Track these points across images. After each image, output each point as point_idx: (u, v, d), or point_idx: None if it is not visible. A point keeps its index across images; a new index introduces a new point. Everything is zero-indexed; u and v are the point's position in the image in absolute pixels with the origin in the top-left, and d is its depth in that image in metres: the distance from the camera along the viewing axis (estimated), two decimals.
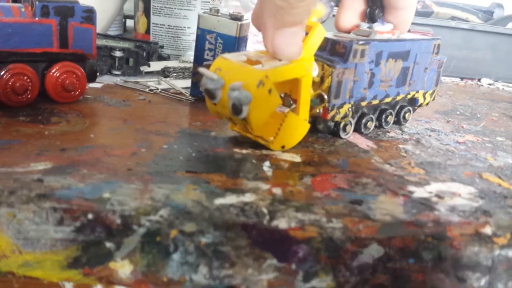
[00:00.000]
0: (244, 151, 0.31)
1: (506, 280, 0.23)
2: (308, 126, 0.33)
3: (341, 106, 0.35)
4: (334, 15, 0.38)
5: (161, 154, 0.29)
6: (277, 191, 0.25)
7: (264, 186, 0.26)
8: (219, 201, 0.23)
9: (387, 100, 0.39)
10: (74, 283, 0.23)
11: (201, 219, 0.22)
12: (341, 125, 0.36)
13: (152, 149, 0.30)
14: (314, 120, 0.36)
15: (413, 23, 0.69)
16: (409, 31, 0.48)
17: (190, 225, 0.22)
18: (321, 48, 0.34)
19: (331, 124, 0.36)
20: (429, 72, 0.42)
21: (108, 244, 0.22)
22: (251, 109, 0.28)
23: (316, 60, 0.34)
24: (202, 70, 0.28)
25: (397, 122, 0.42)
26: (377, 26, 0.37)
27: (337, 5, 0.39)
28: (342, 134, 0.37)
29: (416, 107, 0.43)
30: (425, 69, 0.41)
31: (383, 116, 0.40)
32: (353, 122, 0.37)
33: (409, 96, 0.41)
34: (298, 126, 0.32)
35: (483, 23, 0.85)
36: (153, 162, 0.28)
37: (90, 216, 0.22)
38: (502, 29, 0.76)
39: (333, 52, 0.34)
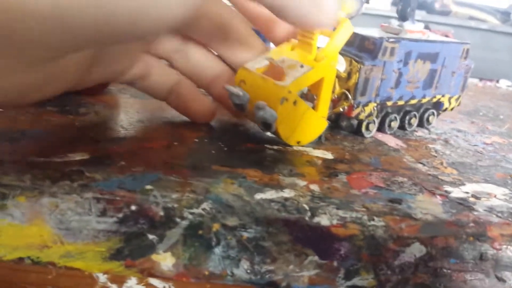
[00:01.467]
0: (275, 147, 0.31)
1: None
2: (325, 124, 0.32)
3: (366, 104, 0.35)
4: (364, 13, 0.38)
5: (194, 147, 0.29)
6: (315, 187, 0.25)
7: (301, 183, 0.26)
8: (259, 195, 0.23)
9: (413, 102, 0.38)
10: (112, 275, 0.23)
11: (243, 214, 0.22)
12: (364, 123, 0.36)
13: (184, 142, 0.29)
14: (337, 118, 0.36)
15: (433, 22, 0.69)
16: (429, 30, 0.48)
17: (232, 219, 0.22)
18: (349, 43, 0.34)
19: (355, 122, 0.36)
20: (456, 77, 0.41)
21: (151, 236, 0.22)
22: (278, 124, 0.29)
23: (343, 55, 0.33)
24: (228, 87, 0.29)
25: (420, 124, 0.41)
26: (407, 25, 0.37)
27: (367, 1, 0.39)
28: (365, 133, 0.36)
29: (440, 111, 0.42)
30: (453, 73, 0.40)
31: (407, 118, 0.39)
32: (377, 121, 0.37)
33: (434, 100, 0.40)
34: (316, 123, 0.32)
35: (500, 24, 0.85)
36: (187, 155, 0.27)
37: (133, 207, 0.22)
38: None
39: (361, 48, 0.34)
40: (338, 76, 0.34)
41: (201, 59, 0.32)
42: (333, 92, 0.34)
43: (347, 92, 0.34)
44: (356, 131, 0.36)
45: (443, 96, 0.41)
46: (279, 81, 0.28)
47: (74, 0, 0.18)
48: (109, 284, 0.23)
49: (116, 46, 0.28)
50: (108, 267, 0.22)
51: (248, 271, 0.22)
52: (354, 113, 0.34)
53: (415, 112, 0.39)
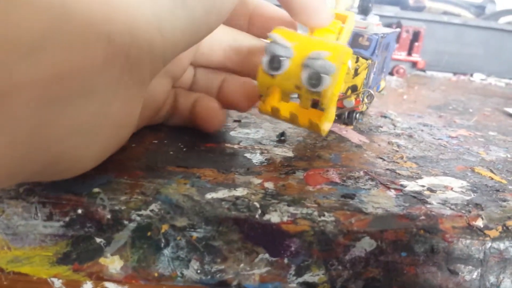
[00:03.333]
0: (235, 146, 0.31)
1: (498, 272, 0.23)
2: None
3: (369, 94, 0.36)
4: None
5: (152, 149, 0.29)
6: (269, 185, 0.25)
7: (256, 181, 0.26)
8: (210, 195, 0.23)
9: (374, 88, 0.40)
10: (63, 279, 0.23)
11: (192, 214, 0.22)
12: (355, 114, 0.37)
13: (142, 144, 0.29)
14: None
15: (405, 18, 0.70)
16: (401, 26, 0.49)
17: (182, 220, 0.22)
18: None
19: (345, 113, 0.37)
20: (390, 60, 0.45)
21: (98, 240, 0.22)
22: (331, 83, 0.25)
23: None
24: (273, 35, 0.26)
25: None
26: (370, 19, 0.37)
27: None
28: (354, 122, 0.38)
29: (378, 92, 0.45)
30: (390, 58, 0.44)
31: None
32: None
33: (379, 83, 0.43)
34: (333, 112, 0.31)
35: (475, 18, 0.85)
36: (144, 156, 0.27)
37: (79, 211, 0.22)
38: (494, 24, 0.76)
39: (355, 44, 0.35)
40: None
41: (208, 75, 0.33)
42: None
43: (371, 91, 0.35)
44: (344, 122, 0.38)
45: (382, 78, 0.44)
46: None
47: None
48: None
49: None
50: (56, 271, 0.22)
51: (198, 271, 0.22)
52: (362, 106, 0.35)
53: None
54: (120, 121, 0.21)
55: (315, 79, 0.25)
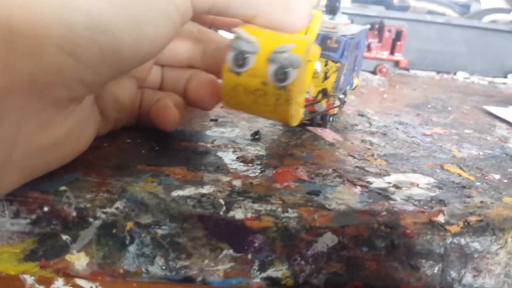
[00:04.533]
0: (209, 145, 0.31)
1: (459, 267, 0.24)
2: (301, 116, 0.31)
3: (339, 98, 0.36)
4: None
5: (124, 148, 0.29)
6: (237, 183, 0.26)
7: (225, 179, 0.26)
8: (176, 193, 0.24)
9: (347, 88, 0.40)
10: (33, 276, 0.23)
11: (157, 211, 0.22)
12: (328, 117, 0.37)
13: (115, 143, 0.30)
14: None
15: (388, 18, 0.70)
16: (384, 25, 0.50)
17: (146, 217, 0.22)
18: None
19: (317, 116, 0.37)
20: (361, 58, 0.45)
21: (64, 237, 0.22)
22: (297, 77, 0.25)
23: None
24: (238, 30, 0.25)
25: None
26: (339, 18, 0.38)
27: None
28: (327, 125, 0.38)
29: (351, 90, 0.45)
30: (362, 55, 0.45)
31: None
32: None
33: (352, 81, 0.43)
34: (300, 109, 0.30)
35: (459, 17, 0.86)
36: (114, 156, 0.28)
37: (45, 208, 0.22)
38: (477, 23, 0.77)
39: (324, 47, 0.34)
40: (313, 77, 0.34)
41: (174, 73, 0.34)
42: (307, 92, 0.34)
43: (341, 96, 0.35)
44: (318, 124, 0.38)
45: (354, 76, 0.44)
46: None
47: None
48: (36, 285, 0.23)
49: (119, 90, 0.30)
50: (23, 268, 0.22)
51: (163, 267, 0.22)
52: (333, 110, 0.36)
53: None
54: (41, 144, 0.21)
55: (281, 74, 0.25)
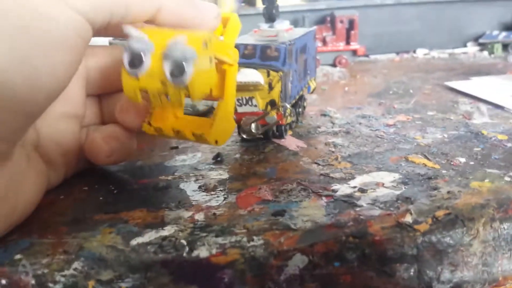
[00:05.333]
0: (170, 177, 0.31)
1: (434, 265, 0.23)
2: (234, 124, 0.30)
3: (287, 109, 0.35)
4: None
5: (81, 198, 0.28)
6: (200, 216, 0.25)
7: (186, 214, 0.25)
8: (136, 241, 0.23)
9: (301, 93, 0.40)
10: None
11: (117, 265, 0.22)
12: (283, 127, 0.36)
13: (72, 194, 0.29)
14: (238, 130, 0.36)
15: (339, 8, 0.70)
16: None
17: (107, 273, 0.21)
18: (249, 56, 0.34)
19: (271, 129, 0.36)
20: (314, 60, 0.45)
21: None
22: (195, 72, 0.23)
23: (254, 68, 0.33)
24: (128, 28, 0.24)
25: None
26: (278, 25, 0.37)
27: (244, 2, 0.39)
28: (285, 135, 0.37)
29: (309, 93, 0.45)
30: (313, 57, 0.44)
31: (297, 109, 0.40)
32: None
33: (307, 86, 0.43)
34: (229, 119, 0.29)
35: None
36: (71, 209, 0.27)
37: (3, 281, 0.21)
38: None
39: (264, 57, 0.34)
40: (258, 90, 0.34)
41: (111, 101, 0.32)
42: (255, 106, 0.34)
43: (287, 105, 0.34)
44: (275, 136, 0.37)
45: (310, 80, 0.43)
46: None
47: None
48: None
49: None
50: None
51: None
52: (286, 120, 0.35)
53: (299, 102, 0.41)
54: None
55: (178, 69, 0.23)
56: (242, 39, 0.37)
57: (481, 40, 0.76)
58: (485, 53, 0.74)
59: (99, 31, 0.24)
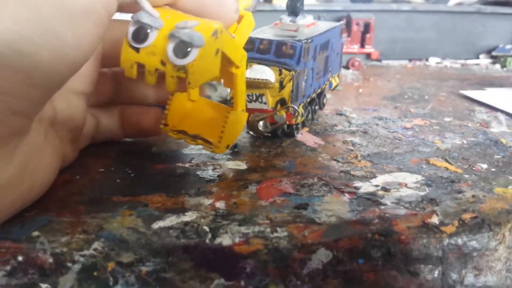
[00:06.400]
0: (187, 165, 0.30)
1: (459, 268, 0.23)
2: (246, 115, 0.30)
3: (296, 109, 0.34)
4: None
5: (98, 178, 0.28)
6: (220, 205, 0.24)
7: (207, 202, 0.25)
8: (157, 224, 0.22)
9: (319, 90, 0.39)
10: None
11: (138, 247, 0.21)
12: (294, 126, 0.36)
13: (88, 174, 0.28)
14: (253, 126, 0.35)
15: (356, 10, 0.70)
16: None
17: (128, 255, 0.21)
18: (264, 51, 0.33)
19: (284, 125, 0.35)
20: (338, 57, 0.44)
21: (44, 286, 0.21)
22: (198, 58, 0.23)
23: (267, 65, 0.33)
24: (142, 1, 0.23)
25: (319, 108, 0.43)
26: (300, 20, 0.36)
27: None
28: (296, 134, 0.36)
29: (330, 90, 0.45)
30: (337, 54, 0.43)
31: (313, 107, 0.40)
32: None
33: (327, 82, 0.42)
34: (240, 119, 0.29)
35: (424, 2, 0.86)
36: (88, 189, 0.26)
37: (20, 258, 0.21)
38: (443, 7, 0.77)
39: (279, 54, 0.33)
40: (268, 88, 0.33)
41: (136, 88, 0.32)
42: (265, 103, 0.33)
43: (295, 107, 0.33)
44: (286, 134, 0.36)
45: (332, 77, 0.43)
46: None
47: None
48: None
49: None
50: None
51: None
52: (295, 119, 0.34)
53: (316, 99, 0.40)
54: None
55: (181, 51, 0.23)
56: (261, 31, 0.36)
57: (494, 53, 0.76)
58: (498, 66, 0.73)
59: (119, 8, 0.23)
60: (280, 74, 0.33)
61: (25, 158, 0.22)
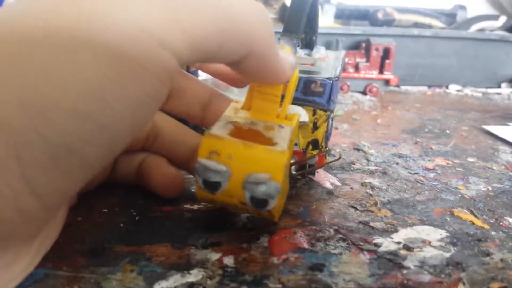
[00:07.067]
0: (195, 207, 0.28)
1: None
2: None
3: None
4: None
5: (100, 222, 0.26)
6: (229, 261, 0.23)
7: (214, 256, 0.23)
8: (159, 285, 0.20)
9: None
10: None
11: None
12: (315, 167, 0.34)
13: (90, 216, 0.27)
14: None
15: (376, 35, 0.68)
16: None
17: None
18: None
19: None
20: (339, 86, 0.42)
21: None
22: (278, 199, 0.23)
23: (300, 105, 0.31)
24: (202, 161, 0.22)
25: None
26: (316, 53, 0.35)
27: (299, 45, 0.37)
28: (316, 172, 0.35)
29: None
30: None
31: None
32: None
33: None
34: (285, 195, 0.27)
35: (446, 27, 0.84)
36: (89, 234, 0.25)
37: None
38: (465, 34, 0.75)
39: (308, 92, 0.31)
40: (301, 128, 0.31)
41: (176, 138, 0.30)
42: (296, 144, 0.31)
43: (318, 139, 0.32)
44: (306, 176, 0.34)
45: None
46: (272, 146, 0.23)
47: None
48: None
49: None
50: None
51: None
52: (327, 160, 0.32)
53: None
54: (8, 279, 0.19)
55: (260, 202, 0.22)
56: None
57: None
58: None
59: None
60: (314, 114, 0.31)
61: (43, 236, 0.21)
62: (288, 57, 0.25)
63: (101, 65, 0.15)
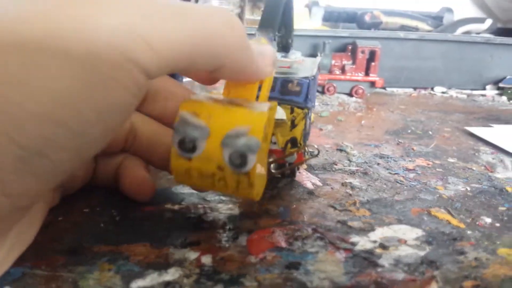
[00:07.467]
0: (176, 207, 0.29)
1: None
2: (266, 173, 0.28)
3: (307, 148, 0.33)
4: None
5: (81, 221, 0.26)
6: (207, 260, 0.23)
7: (192, 255, 0.23)
8: (136, 283, 0.21)
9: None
10: None
11: None
12: (296, 166, 0.34)
13: (71, 215, 0.27)
14: None
15: (362, 38, 0.69)
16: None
17: None
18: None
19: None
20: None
21: None
22: (257, 158, 0.22)
23: (278, 104, 0.31)
24: (183, 114, 0.22)
25: None
26: (292, 55, 0.35)
27: (275, 39, 0.37)
28: (297, 172, 0.35)
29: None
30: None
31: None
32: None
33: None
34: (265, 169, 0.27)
35: (433, 29, 0.85)
36: (69, 234, 0.25)
37: None
38: (451, 37, 0.76)
39: (285, 91, 0.31)
40: (279, 127, 0.32)
41: (153, 138, 0.29)
42: (275, 143, 0.32)
43: (315, 146, 0.32)
44: (287, 175, 0.35)
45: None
46: (251, 109, 0.23)
47: None
48: None
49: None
50: None
51: None
52: (306, 158, 0.33)
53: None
54: None
55: (239, 159, 0.22)
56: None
57: (501, 84, 0.75)
58: (504, 98, 0.72)
59: None
60: (292, 112, 0.31)
61: (19, 229, 0.21)
62: (265, 50, 0.25)
63: (73, 75, 0.16)
